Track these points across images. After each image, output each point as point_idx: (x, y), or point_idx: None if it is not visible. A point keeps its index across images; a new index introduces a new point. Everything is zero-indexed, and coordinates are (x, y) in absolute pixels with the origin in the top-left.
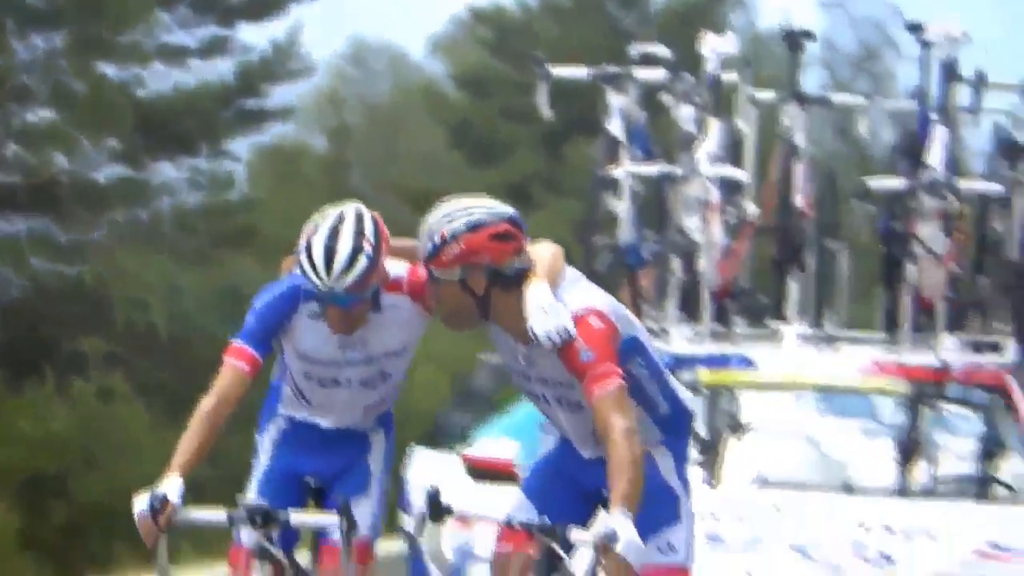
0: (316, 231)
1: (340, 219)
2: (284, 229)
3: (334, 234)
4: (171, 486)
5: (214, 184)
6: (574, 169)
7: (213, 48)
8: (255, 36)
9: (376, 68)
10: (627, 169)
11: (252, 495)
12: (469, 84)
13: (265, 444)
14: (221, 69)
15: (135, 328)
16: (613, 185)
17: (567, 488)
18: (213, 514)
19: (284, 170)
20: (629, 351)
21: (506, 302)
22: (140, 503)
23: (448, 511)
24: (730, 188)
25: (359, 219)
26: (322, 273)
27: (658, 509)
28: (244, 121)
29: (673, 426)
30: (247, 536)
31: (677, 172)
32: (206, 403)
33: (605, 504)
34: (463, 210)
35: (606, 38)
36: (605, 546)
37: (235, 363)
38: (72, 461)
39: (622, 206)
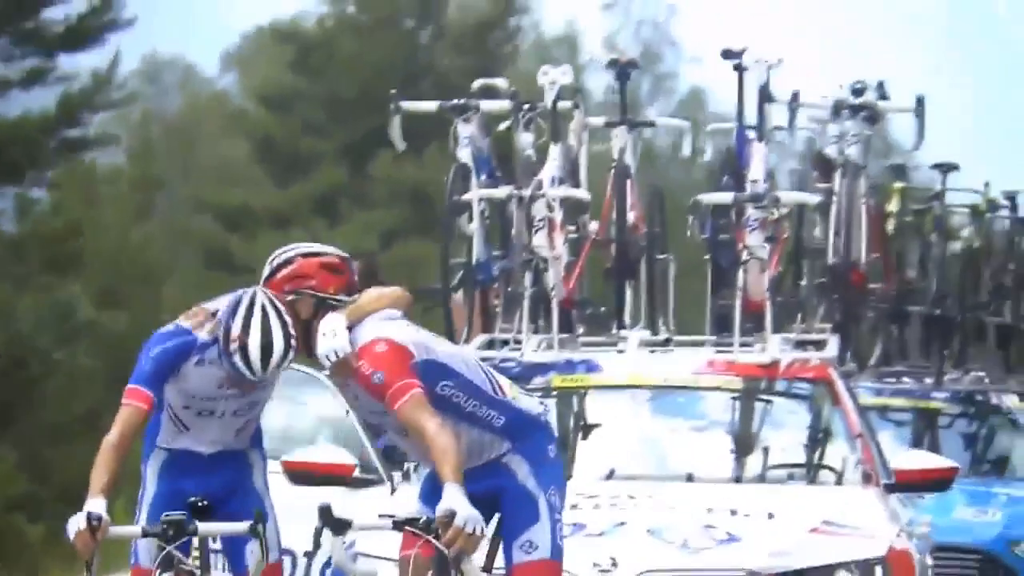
0: (243, 327)
1: (264, 312)
2: (103, 248)
3: (267, 331)
4: (99, 506)
5: (42, 212)
6: (378, 182)
7: (33, 79)
8: (75, 64)
9: (168, 82)
10: (477, 193)
11: (143, 519)
12: (269, 100)
13: (149, 474)
14: (43, 98)
15: None
16: (465, 209)
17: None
18: (130, 529)
19: (98, 191)
20: (431, 374)
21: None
22: (78, 521)
23: (348, 524)
24: (572, 207)
25: (278, 310)
26: (259, 370)
27: (519, 513)
28: (68, 150)
29: (516, 431)
30: (145, 554)
31: (524, 194)
32: (112, 438)
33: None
34: (306, 245)
35: (403, 52)
36: (448, 523)
37: (134, 403)
38: None
39: (473, 227)
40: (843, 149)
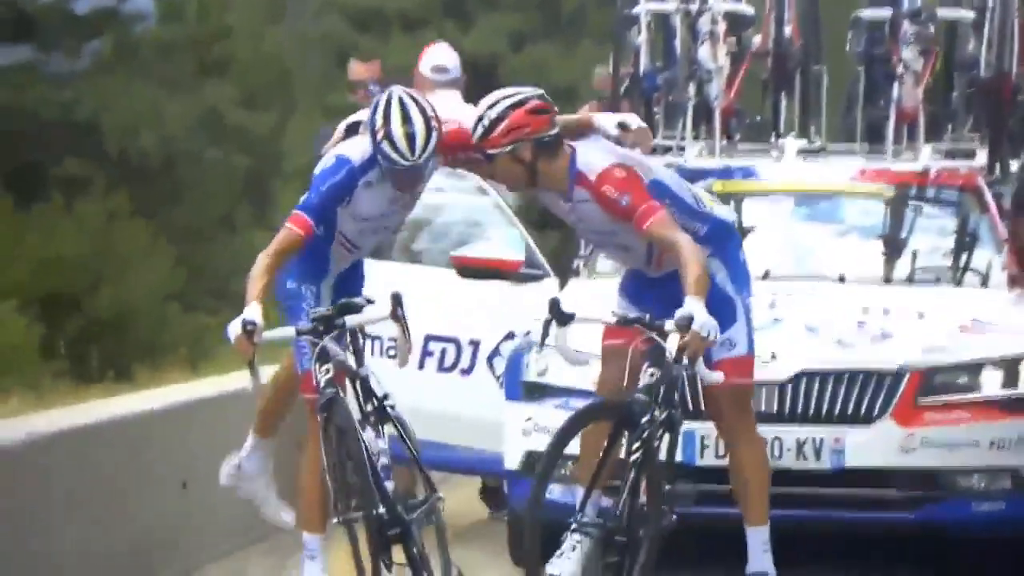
0: (384, 119)
1: (402, 104)
2: (242, 52)
3: (406, 118)
4: (255, 312)
5: (195, 14)
6: None
7: None
8: None
9: None
10: (646, 7)
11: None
12: None
13: (323, 293)
14: None
15: (127, 153)
16: (634, 22)
17: (655, 290)
18: (284, 330)
19: None
20: (654, 193)
21: (548, 165)
22: (234, 327)
23: (571, 317)
24: (734, 21)
25: (414, 99)
26: (407, 153)
27: (719, 314)
28: None
29: (715, 239)
30: (309, 359)
31: (691, 8)
32: (268, 253)
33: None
34: (503, 97)
35: None
36: (686, 327)
37: (294, 228)
38: (83, 279)
39: (640, 39)
40: None
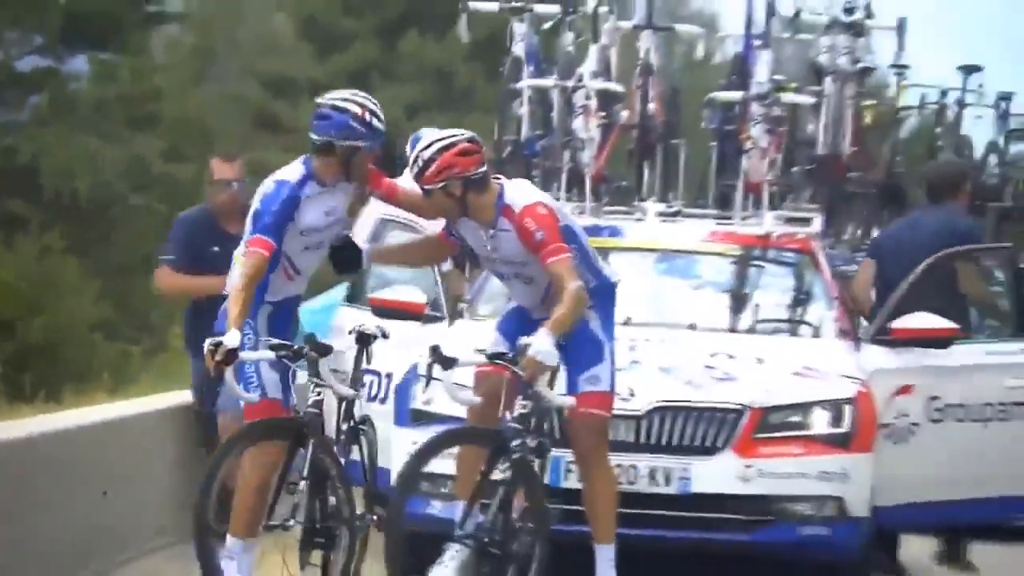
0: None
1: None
2: (179, 110)
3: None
4: (232, 338)
5: (128, 75)
6: (406, 58)
7: None
8: None
9: None
10: (528, 82)
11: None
12: None
13: (260, 327)
14: None
15: (61, 194)
16: (517, 95)
17: (533, 330)
18: (264, 354)
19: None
20: (565, 236)
21: (477, 199)
22: (216, 353)
23: (454, 361)
24: (605, 97)
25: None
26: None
27: (587, 353)
28: (148, 22)
29: (600, 294)
30: (272, 387)
31: (567, 84)
32: (240, 281)
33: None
34: (435, 139)
35: None
36: (522, 353)
37: (259, 251)
38: (18, 307)
39: (523, 111)
40: (834, 59)
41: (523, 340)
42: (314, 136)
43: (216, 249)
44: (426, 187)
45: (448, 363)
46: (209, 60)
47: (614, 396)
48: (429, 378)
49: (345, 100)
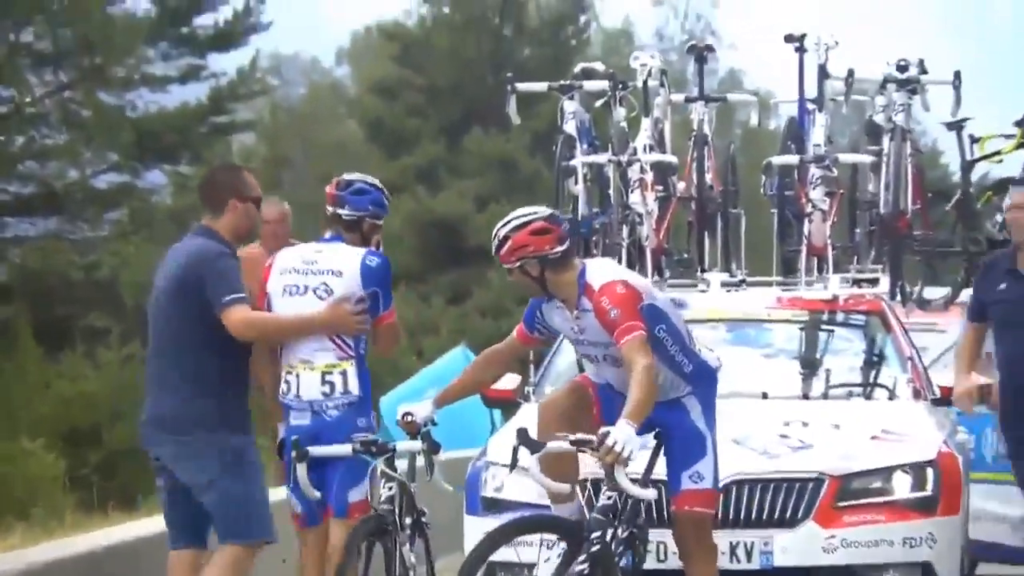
0: None
1: None
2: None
3: None
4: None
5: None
6: (470, 154)
7: (188, 75)
8: (223, 63)
9: (287, 76)
10: (581, 160)
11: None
12: (378, 89)
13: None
14: (196, 91)
15: (141, 305)
16: (571, 173)
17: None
18: (339, 448)
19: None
20: (652, 318)
21: (556, 279)
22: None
23: (542, 445)
24: (660, 170)
25: None
26: None
27: (689, 447)
28: (217, 133)
29: (698, 380)
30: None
31: (621, 159)
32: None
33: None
34: (513, 218)
35: (489, 45)
36: (603, 440)
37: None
38: (102, 415)
39: (577, 188)
40: (890, 116)
41: (603, 429)
42: (348, 211)
43: None
44: (505, 265)
45: (535, 447)
46: (283, 167)
47: (718, 495)
48: (514, 462)
49: (367, 178)
